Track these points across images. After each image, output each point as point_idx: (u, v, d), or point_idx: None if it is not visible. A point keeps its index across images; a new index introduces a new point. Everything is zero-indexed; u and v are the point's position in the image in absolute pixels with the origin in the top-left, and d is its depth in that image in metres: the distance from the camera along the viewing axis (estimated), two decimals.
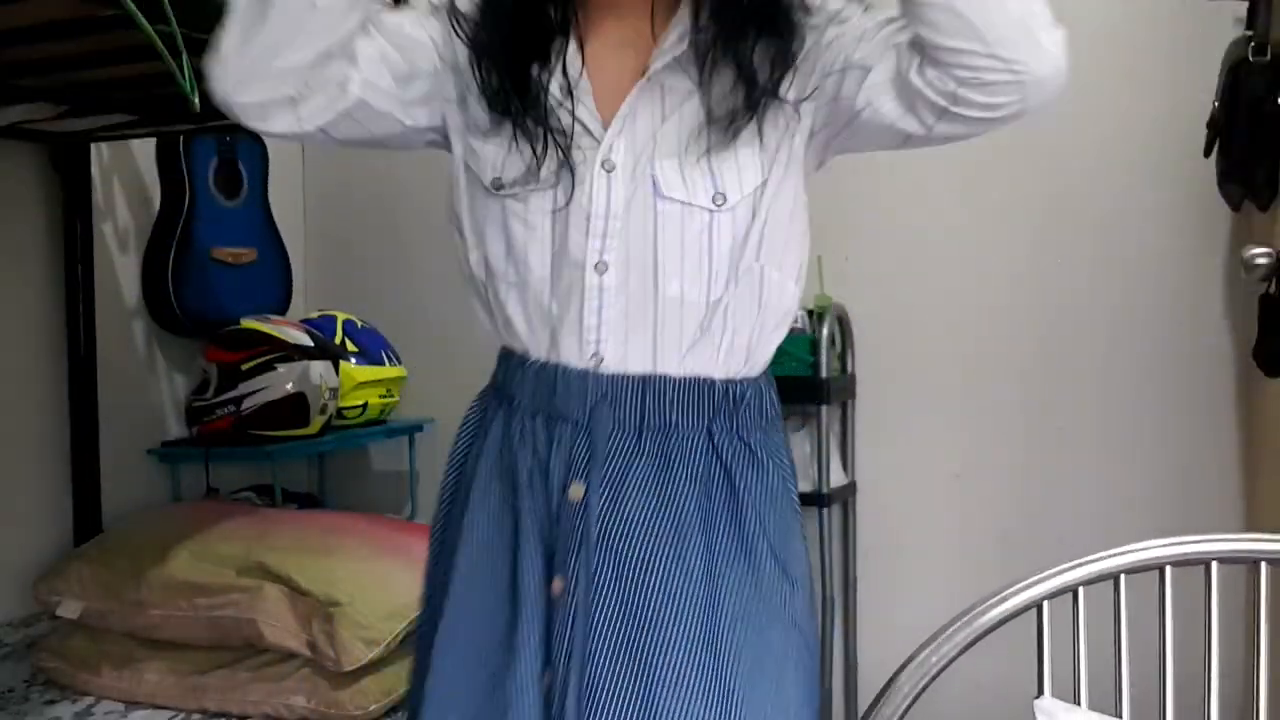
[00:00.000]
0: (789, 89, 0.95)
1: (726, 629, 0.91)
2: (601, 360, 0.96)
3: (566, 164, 0.95)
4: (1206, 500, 2.11)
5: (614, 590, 0.91)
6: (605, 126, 0.96)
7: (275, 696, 1.71)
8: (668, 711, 0.88)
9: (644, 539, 0.92)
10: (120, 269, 2.33)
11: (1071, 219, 2.19)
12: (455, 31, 0.98)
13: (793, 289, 1.01)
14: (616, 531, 0.92)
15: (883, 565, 2.32)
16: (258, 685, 1.73)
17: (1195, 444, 2.13)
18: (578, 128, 0.96)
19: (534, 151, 0.95)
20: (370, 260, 2.78)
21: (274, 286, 2.52)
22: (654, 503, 0.94)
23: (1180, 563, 0.97)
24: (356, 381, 2.42)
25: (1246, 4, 1.82)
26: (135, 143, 2.32)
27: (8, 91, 1.72)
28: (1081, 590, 0.96)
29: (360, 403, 2.45)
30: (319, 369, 2.27)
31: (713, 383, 0.97)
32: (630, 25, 0.97)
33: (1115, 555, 0.97)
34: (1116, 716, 0.93)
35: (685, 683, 0.89)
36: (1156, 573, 0.96)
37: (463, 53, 0.99)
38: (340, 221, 2.83)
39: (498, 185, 0.98)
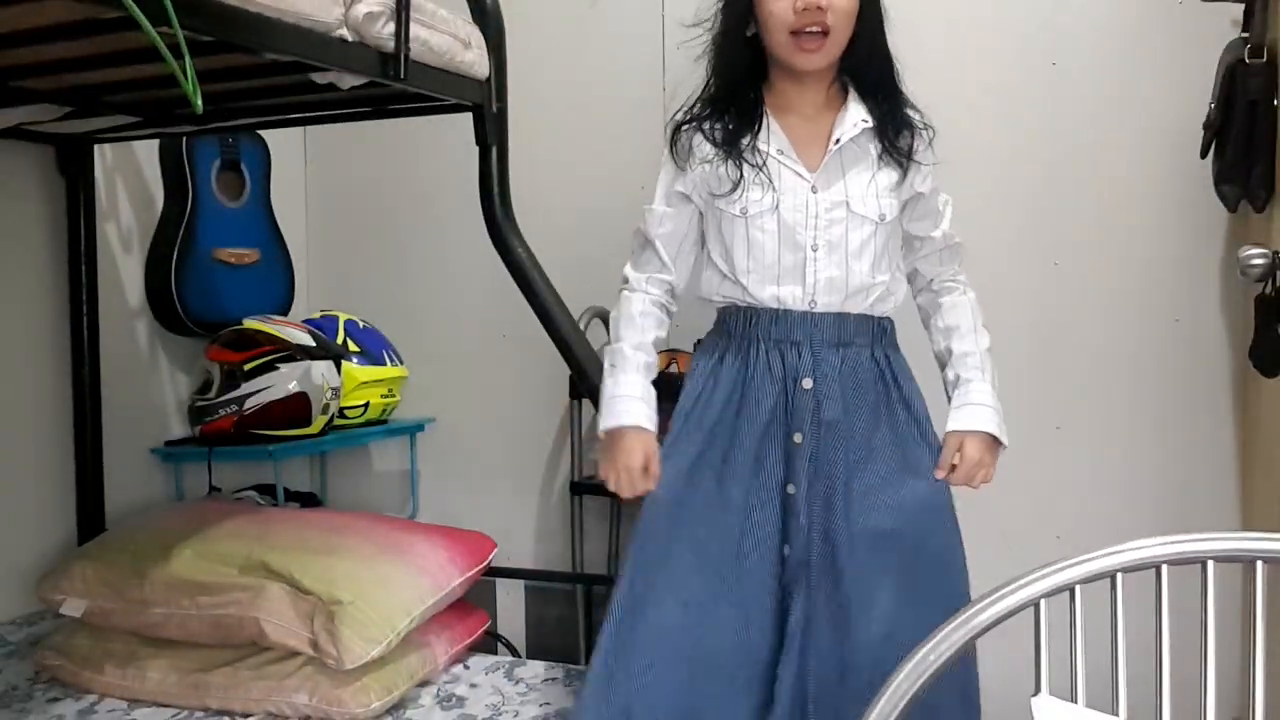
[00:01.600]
0: (911, 169, 1.61)
1: (890, 446, 1.60)
2: (815, 304, 1.57)
3: (776, 190, 1.57)
4: (1203, 499, 2.12)
5: (831, 440, 1.57)
6: (808, 169, 1.57)
7: (277, 694, 1.72)
8: (865, 477, 1.57)
9: (845, 410, 1.57)
10: (123, 269, 2.34)
11: (1068, 219, 2.20)
12: (703, 139, 1.61)
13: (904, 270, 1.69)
14: (831, 406, 1.57)
15: None
16: (260, 683, 1.74)
17: (1192, 443, 2.14)
18: (789, 171, 1.58)
19: (762, 188, 1.57)
20: (372, 260, 2.78)
21: (276, 287, 2.53)
22: (849, 388, 1.58)
23: (1176, 561, 0.97)
24: (358, 381, 2.43)
25: (1243, 6, 1.83)
26: (138, 144, 2.33)
27: (12, 93, 1.73)
28: (1078, 589, 0.96)
29: (362, 402, 2.46)
30: (321, 369, 2.28)
31: (872, 317, 1.61)
32: (808, 112, 1.62)
33: (1112, 554, 0.97)
34: (1114, 714, 0.93)
35: (877, 470, 1.58)
36: (1153, 571, 0.96)
37: (701, 154, 1.61)
38: (342, 222, 2.83)
39: (744, 211, 1.57)
